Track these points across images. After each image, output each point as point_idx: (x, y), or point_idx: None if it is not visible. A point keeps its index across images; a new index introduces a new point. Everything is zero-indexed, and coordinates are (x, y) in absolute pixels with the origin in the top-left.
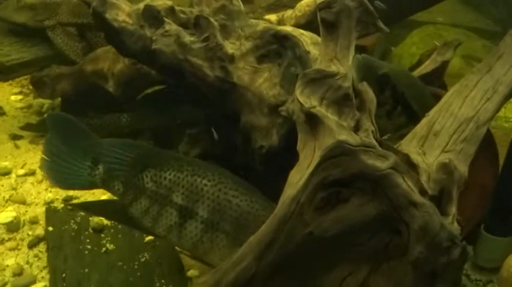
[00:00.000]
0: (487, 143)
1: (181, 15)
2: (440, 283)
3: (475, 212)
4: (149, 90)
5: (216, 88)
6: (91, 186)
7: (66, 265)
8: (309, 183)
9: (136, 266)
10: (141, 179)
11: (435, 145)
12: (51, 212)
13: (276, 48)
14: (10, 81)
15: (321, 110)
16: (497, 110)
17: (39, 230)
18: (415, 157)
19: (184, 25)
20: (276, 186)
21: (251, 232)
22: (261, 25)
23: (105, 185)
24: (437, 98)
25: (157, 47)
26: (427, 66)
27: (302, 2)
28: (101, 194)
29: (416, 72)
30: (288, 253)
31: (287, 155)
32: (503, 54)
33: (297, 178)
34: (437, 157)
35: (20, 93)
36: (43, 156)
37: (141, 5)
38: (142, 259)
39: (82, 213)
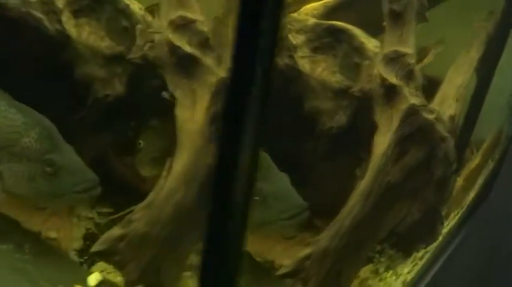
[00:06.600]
0: None
1: None
2: None
3: None
4: None
5: (284, 76)
6: None
7: None
8: (392, 141)
9: None
10: None
11: None
12: None
13: (329, 41)
14: None
15: (399, 83)
16: None
17: None
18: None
19: None
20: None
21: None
22: (311, 20)
23: None
24: None
25: None
26: None
27: (307, 6)
28: None
29: None
30: (378, 199)
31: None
32: None
33: (381, 139)
34: None
35: None
36: None
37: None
38: None
39: None
